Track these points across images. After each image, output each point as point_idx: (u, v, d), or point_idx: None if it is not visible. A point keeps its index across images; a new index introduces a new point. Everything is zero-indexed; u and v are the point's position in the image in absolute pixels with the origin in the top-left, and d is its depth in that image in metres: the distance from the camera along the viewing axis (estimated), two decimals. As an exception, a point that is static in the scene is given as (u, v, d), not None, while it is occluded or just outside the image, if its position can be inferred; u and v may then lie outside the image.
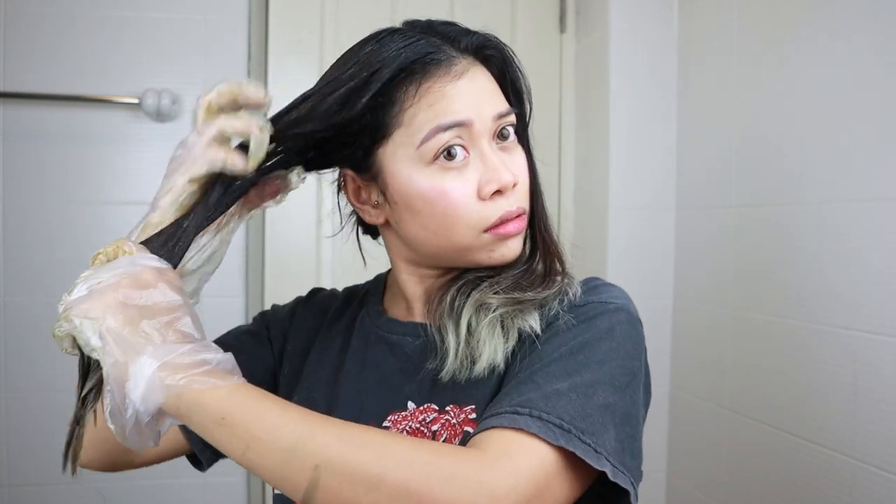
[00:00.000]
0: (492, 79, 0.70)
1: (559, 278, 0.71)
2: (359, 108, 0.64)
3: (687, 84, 1.70)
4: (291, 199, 0.71)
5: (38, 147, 1.65)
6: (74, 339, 0.54)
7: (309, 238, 1.78)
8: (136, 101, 1.63)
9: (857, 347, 1.19)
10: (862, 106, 1.19)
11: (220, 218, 0.64)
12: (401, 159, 0.66)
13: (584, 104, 1.87)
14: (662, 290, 1.74)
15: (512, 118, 0.69)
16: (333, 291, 0.89)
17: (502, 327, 0.67)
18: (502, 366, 0.66)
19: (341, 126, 0.65)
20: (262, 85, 0.63)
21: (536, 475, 0.55)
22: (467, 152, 0.66)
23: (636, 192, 1.73)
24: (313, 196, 1.76)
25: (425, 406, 0.69)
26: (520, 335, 0.66)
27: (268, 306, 0.98)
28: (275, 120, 0.64)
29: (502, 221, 0.67)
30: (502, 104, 0.69)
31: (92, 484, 1.60)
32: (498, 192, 0.66)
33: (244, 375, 0.55)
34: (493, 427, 0.57)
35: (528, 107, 0.75)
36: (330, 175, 0.76)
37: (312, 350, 0.81)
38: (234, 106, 0.62)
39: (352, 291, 0.87)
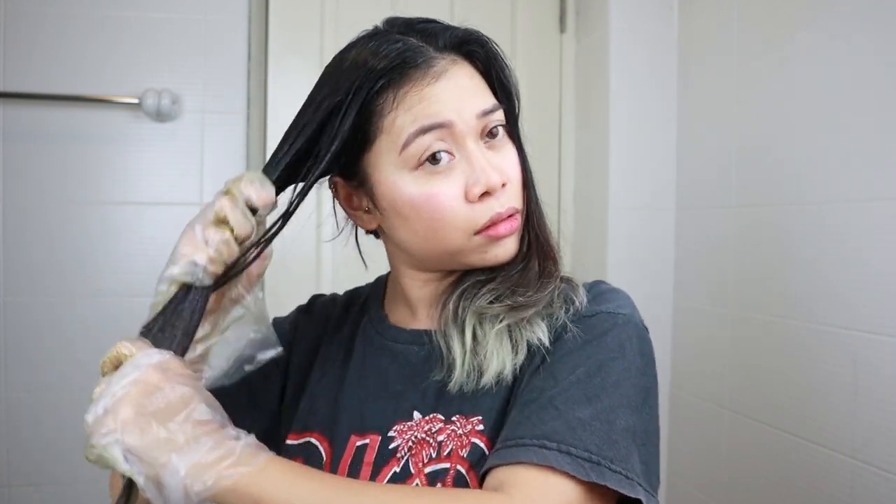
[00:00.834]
0: (475, 75, 0.68)
1: (553, 278, 0.70)
2: (339, 130, 0.64)
3: (687, 84, 1.70)
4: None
5: (38, 147, 1.65)
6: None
7: (309, 240, 1.78)
8: (136, 101, 1.63)
9: (857, 347, 1.19)
10: (862, 106, 1.19)
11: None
12: (385, 166, 0.66)
13: (584, 104, 1.86)
14: (662, 290, 1.73)
15: (499, 115, 0.67)
16: (334, 297, 0.87)
17: (510, 338, 0.66)
18: (510, 377, 0.65)
19: (326, 143, 0.64)
20: (266, 183, 0.63)
21: None
22: (452, 155, 0.65)
23: (636, 192, 1.73)
24: (313, 197, 1.75)
25: (431, 416, 0.68)
26: (528, 347, 0.65)
27: (268, 307, 0.98)
28: (269, 172, 0.64)
29: (493, 223, 0.66)
30: (486, 101, 0.67)
31: (93, 485, 1.60)
32: (486, 193, 0.65)
33: (259, 414, 0.57)
34: (520, 462, 0.57)
35: (516, 101, 0.73)
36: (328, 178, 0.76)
37: (315, 362, 0.80)
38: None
39: (352, 296, 0.86)
